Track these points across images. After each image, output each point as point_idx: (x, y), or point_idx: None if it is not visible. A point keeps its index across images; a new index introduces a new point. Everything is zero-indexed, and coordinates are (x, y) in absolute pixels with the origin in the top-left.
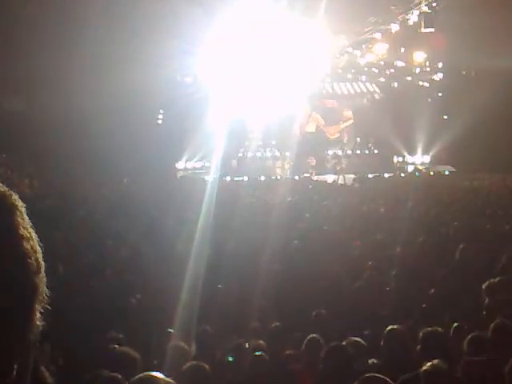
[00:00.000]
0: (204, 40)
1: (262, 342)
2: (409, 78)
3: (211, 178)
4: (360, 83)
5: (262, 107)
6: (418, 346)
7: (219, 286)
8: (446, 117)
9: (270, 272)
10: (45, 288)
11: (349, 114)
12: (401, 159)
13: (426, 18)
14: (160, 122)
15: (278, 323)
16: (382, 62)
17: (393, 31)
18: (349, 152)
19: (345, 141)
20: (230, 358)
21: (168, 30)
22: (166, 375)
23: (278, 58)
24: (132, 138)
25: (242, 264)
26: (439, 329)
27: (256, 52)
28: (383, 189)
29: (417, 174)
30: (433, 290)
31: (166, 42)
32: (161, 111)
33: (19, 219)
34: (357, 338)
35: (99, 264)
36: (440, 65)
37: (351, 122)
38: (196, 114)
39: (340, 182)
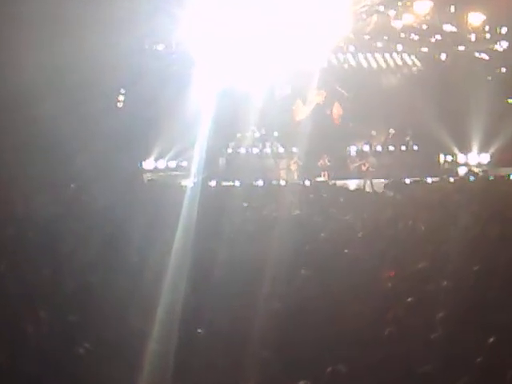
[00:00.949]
0: None
1: None
2: (461, 48)
3: (190, 182)
4: (395, 54)
5: (261, 87)
6: None
7: (199, 331)
8: (511, 101)
9: (269, 313)
10: None
11: None
12: (449, 159)
13: None
14: (121, 105)
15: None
16: (424, 26)
17: None
18: (379, 148)
19: (373, 133)
20: None
21: None
22: None
23: (283, 19)
24: (83, 128)
25: (231, 301)
26: None
27: (253, 12)
28: (426, 199)
29: (471, 178)
30: (492, 339)
31: None
32: (122, 91)
33: None
34: None
35: (30, 302)
36: (504, 30)
37: None
38: (170, 96)
39: (367, 189)
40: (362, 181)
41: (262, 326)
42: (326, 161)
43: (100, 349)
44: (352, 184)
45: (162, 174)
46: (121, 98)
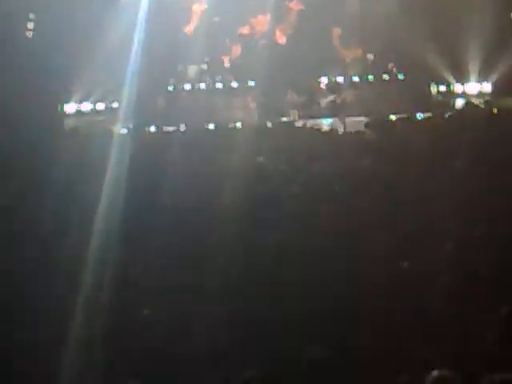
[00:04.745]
0: None
1: None
2: None
3: (123, 128)
4: None
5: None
6: None
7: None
8: None
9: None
10: None
11: None
12: (443, 88)
13: None
14: (30, 34)
15: None
16: None
17: None
18: (355, 78)
19: (347, 60)
20: None
21: None
22: None
23: None
24: None
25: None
26: None
27: None
28: (416, 140)
29: (469, 111)
30: None
31: None
32: (31, 16)
33: None
34: None
35: None
36: None
37: None
38: (94, 19)
39: (341, 129)
40: (335, 119)
41: None
42: (293, 96)
43: None
44: (324, 124)
45: (87, 119)
46: (30, 24)
